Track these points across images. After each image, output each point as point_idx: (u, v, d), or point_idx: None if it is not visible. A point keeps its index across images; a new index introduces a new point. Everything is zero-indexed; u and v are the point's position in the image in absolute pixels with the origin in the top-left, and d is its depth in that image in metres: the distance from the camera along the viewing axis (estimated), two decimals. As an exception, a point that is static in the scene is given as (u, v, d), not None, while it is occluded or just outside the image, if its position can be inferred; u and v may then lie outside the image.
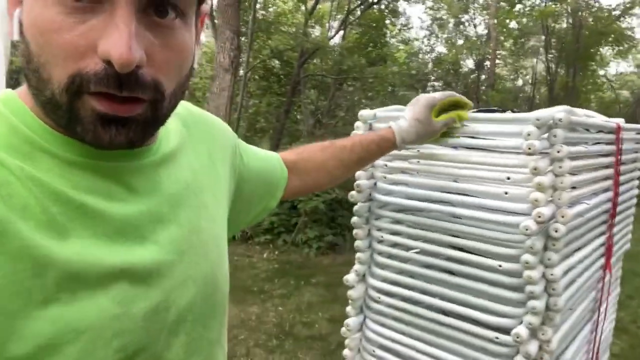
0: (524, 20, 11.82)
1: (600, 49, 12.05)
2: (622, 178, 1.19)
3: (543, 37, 11.74)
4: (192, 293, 0.50)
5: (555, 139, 0.80)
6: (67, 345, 0.39)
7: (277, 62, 6.89)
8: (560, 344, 0.96)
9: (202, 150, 0.59)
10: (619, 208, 1.21)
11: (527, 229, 0.78)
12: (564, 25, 11.62)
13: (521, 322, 0.85)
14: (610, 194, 1.13)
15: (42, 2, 0.38)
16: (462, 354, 0.93)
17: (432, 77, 12.82)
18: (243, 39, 5.78)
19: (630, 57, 13.96)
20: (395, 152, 0.93)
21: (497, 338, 0.88)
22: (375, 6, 7.01)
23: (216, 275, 0.54)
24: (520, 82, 14.56)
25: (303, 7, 6.68)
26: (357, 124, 1.05)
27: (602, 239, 1.13)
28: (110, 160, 0.45)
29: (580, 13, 10.97)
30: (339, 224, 4.88)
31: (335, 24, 7.12)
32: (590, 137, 1.04)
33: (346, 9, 6.80)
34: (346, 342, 1.11)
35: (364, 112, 1.05)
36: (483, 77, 13.13)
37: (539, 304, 0.82)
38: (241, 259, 4.51)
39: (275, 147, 6.04)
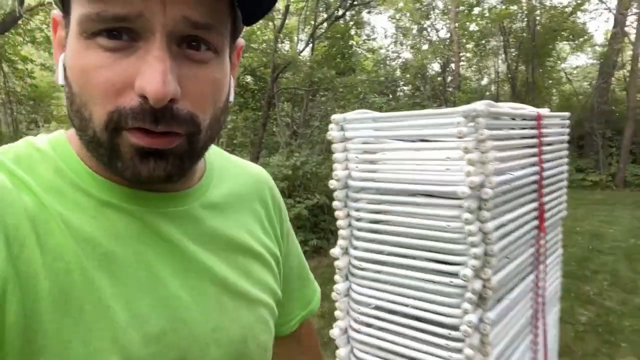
0: (483, 22, 12.40)
1: (556, 45, 12.72)
2: (546, 156, 1.48)
3: (502, 38, 12.33)
4: (212, 357, 0.47)
5: (478, 125, 1.08)
6: None
7: (250, 78, 7.16)
8: (502, 286, 1.23)
9: (256, 211, 0.58)
10: (547, 181, 1.50)
11: (463, 193, 1.06)
12: (522, 24, 12.24)
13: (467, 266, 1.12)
14: (536, 168, 1.42)
15: (83, 44, 0.40)
16: (427, 290, 1.19)
17: (401, 82, 13.30)
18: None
19: (589, 50, 14.70)
20: (363, 146, 1.20)
21: (451, 282, 1.15)
22: (340, 19, 7.37)
23: (247, 342, 0.51)
24: (485, 82, 15.16)
25: (271, 24, 6.97)
26: (331, 126, 1.32)
27: (534, 205, 1.42)
28: (146, 205, 0.46)
29: (535, 12, 11.59)
30: (322, 229, 5.12)
31: (304, 37, 7.46)
32: (515, 123, 1.33)
33: (312, 23, 7.14)
34: (336, 304, 1.36)
35: (336, 116, 1.32)
36: (449, 78, 13.66)
37: (478, 250, 1.10)
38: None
39: (255, 159, 6.28)
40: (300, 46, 7.29)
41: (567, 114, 1.72)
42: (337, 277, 1.36)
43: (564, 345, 2.83)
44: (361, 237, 1.31)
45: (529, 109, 1.54)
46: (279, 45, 7.11)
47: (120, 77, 0.39)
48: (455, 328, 1.15)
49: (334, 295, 1.36)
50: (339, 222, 1.33)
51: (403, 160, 1.24)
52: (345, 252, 1.35)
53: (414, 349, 1.21)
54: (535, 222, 1.44)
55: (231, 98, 0.48)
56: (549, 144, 1.54)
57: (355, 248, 1.32)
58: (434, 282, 1.18)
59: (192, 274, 0.47)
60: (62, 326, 0.38)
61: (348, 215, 1.33)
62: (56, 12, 0.45)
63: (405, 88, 13.58)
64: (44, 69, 9.11)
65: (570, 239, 5.56)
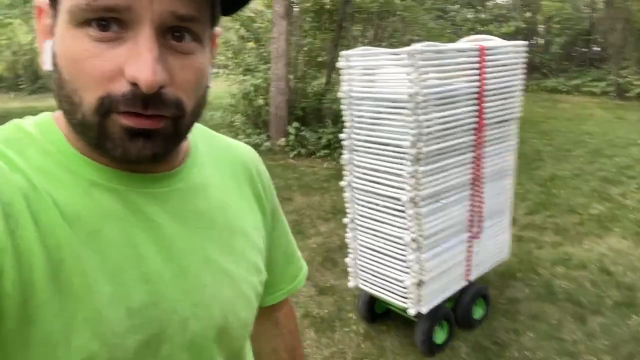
0: None
1: None
2: (488, 76, 2.22)
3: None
4: (192, 332, 0.50)
5: (415, 59, 1.90)
6: None
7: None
8: (439, 154, 2.09)
9: (243, 190, 0.61)
10: (488, 92, 2.26)
11: (404, 97, 1.91)
12: None
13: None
14: (475, 84, 2.18)
15: (73, 33, 0.42)
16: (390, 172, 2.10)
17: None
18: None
19: None
20: (362, 71, 2.07)
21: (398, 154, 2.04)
22: None
23: (227, 318, 0.54)
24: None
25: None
26: (340, 59, 2.19)
27: (472, 107, 2.20)
28: (131, 185, 0.48)
29: None
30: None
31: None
32: (458, 54, 2.10)
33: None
34: (345, 167, 2.32)
35: (343, 53, 2.18)
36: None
37: (413, 134, 1.97)
38: (306, 168, 5.81)
39: (328, 79, 7.13)
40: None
41: (522, 42, 2.40)
42: (345, 152, 2.30)
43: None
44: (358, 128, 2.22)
45: (487, 43, 2.27)
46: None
47: (110, 64, 0.41)
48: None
49: (343, 162, 2.31)
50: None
51: (382, 82, 2.09)
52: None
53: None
54: (474, 119, 2.23)
55: (210, 84, 0.50)
56: (494, 67, 2.27)
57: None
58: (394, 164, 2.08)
59: (174, 251, 0.49)
60: (53, 298, 0.41)
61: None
62: (41, 1, 0.46)
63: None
64: None
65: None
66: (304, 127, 6.39)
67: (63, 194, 0.44)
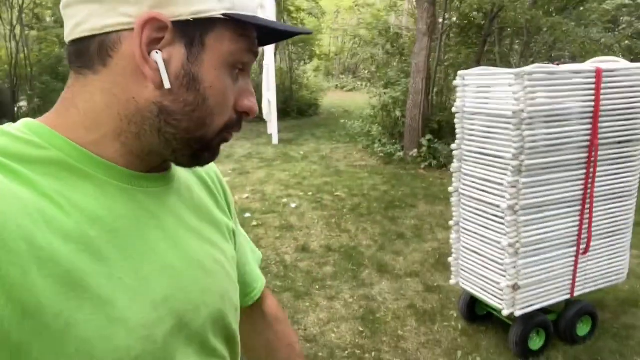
0: None
1: None
2: (605, 95, 2.28)
3: None
4: (203, 317, 0.54)
5: (523, 80, 2.09)
6: None
7: (475, 14, 7.82)
8: (543, 165, 2.23)
9: (210, 190, 0.66)
10: (605, 112, 2.31)
11: (509, 113, 2.12)
12: None
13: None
14: (590, 104, 2.26)
15: (228, 71, 0.52)
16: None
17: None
18: None
19: None
20: (475, 89, 2.33)
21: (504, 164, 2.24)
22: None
23: (225, 303, 0.59)
24: None
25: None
26: (457, 78, 2.46)
27: (586, 127, 2.29)
28: (137, 185, 0.52)
29: None
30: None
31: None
32: (572, 76, 2.22)
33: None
34: (453, 174, 2.57)
35: (460, 72, 2.46)
36: None
37: (516, 145, 2.16)
38: (435, 179, 6.00)
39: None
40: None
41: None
42: (455, 160, 2.56)
43: None
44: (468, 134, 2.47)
45: (607, 65, 2.34)
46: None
47: (234, 97, 0.53)
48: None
49: (453, 170, 2.57)
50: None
51: (493, 99, 2.32)
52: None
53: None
54: (587, 138, 2.30)
55: None
56: (614, 88, 2.31)
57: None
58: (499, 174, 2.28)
59: (180, 244, 0.54)
60: (84, 303, 0.42)
61: (462, 128, 2.49)
62: (158, 15, 0.47)
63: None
64: (311, 16, 11.53)
65: None
66: (438, 140, 6.57)
67: (78, 196, 0.46)
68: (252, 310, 0.78)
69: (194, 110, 0.50)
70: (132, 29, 0.47)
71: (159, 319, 0.48)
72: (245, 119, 0.55)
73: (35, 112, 8.66)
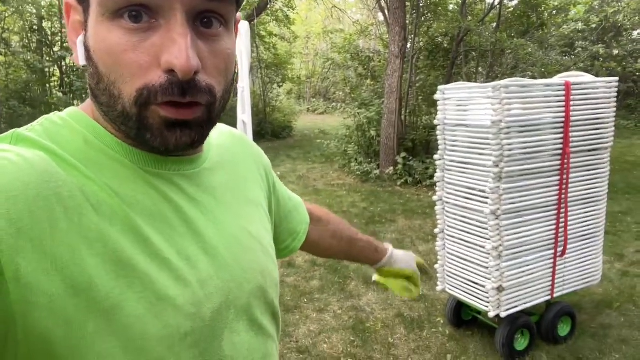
0: None
1: None
2: (575, 108, 2.46)
3: None
4: (247, 294, 0.55)
5: (500, 92, 2.25)
6: (150, 340, 0.44)
7: (442, 38, 8.19)
8: (522, 175, 2.37)
9: (249, 167, 0.66)
10: (575, 123, 2.49)
11: (488, 123, 2.26)
12: None
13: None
14: (561, 114, 2.44)
15: (106, 26, 0.43)
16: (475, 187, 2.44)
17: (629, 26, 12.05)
18: (410, 24, 7.28)
19: None
20: (455, 102, 2.48)
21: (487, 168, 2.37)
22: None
23: (266, 278, 0.59)
24: None
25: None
26: (438, 92, 2.61)
27: (558, 136, 2.45)
28: (171, 169, 0.51)
29: None
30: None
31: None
32: (545, 88, 2.39)
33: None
34: (437, 183, 2.69)
35: (440, 87, 2.60)
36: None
37: (496, 153, 2.29)
38: (412, 195, 6.16)
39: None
40: (488, 7, 7.91)
41: (613, 78, 2.59)
42: (438, 170, 2.68)
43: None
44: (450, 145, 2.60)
45: (575, 79, 2.53)
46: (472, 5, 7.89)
47: (146, 56, 0.43)
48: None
49: (436, 180, 2.69)
50: (439, 141, 2.64)
51: (472, 111, 2.46)
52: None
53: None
54: (559, 146, 2.47)
55: (237, 69, 0.73)
56: (582, 100, 2.50)
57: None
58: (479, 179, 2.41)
59: (219, 224, 0.54)
60: (133, 283, 0.43)
61: (444, 139, 2.63)
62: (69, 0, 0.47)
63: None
64: (283, 40, 11.77)
65: None
66: (412, 158, 6.77)
67: (117, 182, 0.46)
68: (310, 228, 0.85)
69: (98, 82, 0.46)
70: None
71: (205, 297, 0.49)
72: (178, 78, 0.44)
73: (2, 137, 8.42)
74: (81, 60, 0.47)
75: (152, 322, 0.44)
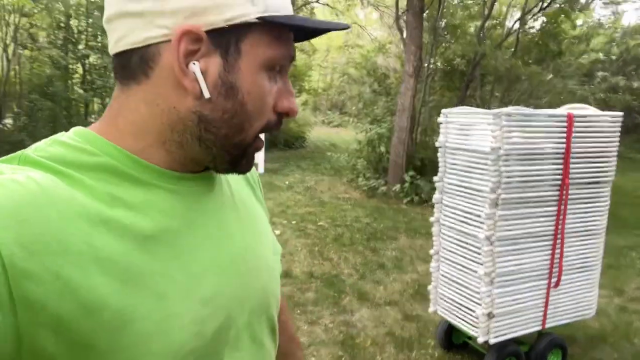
0: None
1: None
2: (577, 139, 2.47)
3: None
4: (248, 312, 0.56)
5: (501, 120, 2.27)
6: (154, 357, 0.45)
7: (459, 60, 8.23)
8: (519, 202, 2.38)
9: (249, 183, 0.69)
10: (576, 155, 2.49)
11: (488, 150, 2.29)
12: None
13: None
14: (561, 146, 2.45)
15: (261, 76, 0.51)
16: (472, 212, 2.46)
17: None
18: (427, 44, 7.33)
19: None
20: (457, 126, 2.51)
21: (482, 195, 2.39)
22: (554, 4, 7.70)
23: (268, 296, 0.60)
24: None
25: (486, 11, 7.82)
26: (441, 116, 2.64)
27: (557, 167, 2.46)
28: (188, 185, 0.53)
29: None
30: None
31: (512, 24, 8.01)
32: (546, 119, 2.41)
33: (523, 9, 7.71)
34: (435, 205, 2.71)
35: (443, 110, 2.63)
36: None
37: (494, 180, 2.31)
38: (416, 214, 6.15)
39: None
40: (507, 31, 7.94)
41: (618, 113, 2.60)
42: (437, 192, 2.70)
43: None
44: (449, 168, 2.62)
45: (578, 111, 2.55)
46: (489, 29, 7.94)
47: (272, 99, 0.52)
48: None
49: (434, 201, 2.71)
50: (440, 164, 2.66)
51: (474, 136, 2.49)
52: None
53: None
54: (558, 177, 2.48)
55: None
56: (584, 132, 2.51)
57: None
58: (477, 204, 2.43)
59: (227, 241, 0.56)
60: (145, 300, 0.45)
61: (444, 162, 2.65)
62: (193, 27, 0.47)
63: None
64: (302, 52, 11.90)
65: None
66: (420, 177, 6.78)
67: (130, 199, 0.48)
68: None
69: (232, 117, 0.50)
70: (170, 41, 0.47)
71: (209, 315, 0.50)
72: (285, 119, 0.55)
73: (21, 129, 8.63)
74: (206, 93, 0.49)
75: (159, 339, 0.45)
